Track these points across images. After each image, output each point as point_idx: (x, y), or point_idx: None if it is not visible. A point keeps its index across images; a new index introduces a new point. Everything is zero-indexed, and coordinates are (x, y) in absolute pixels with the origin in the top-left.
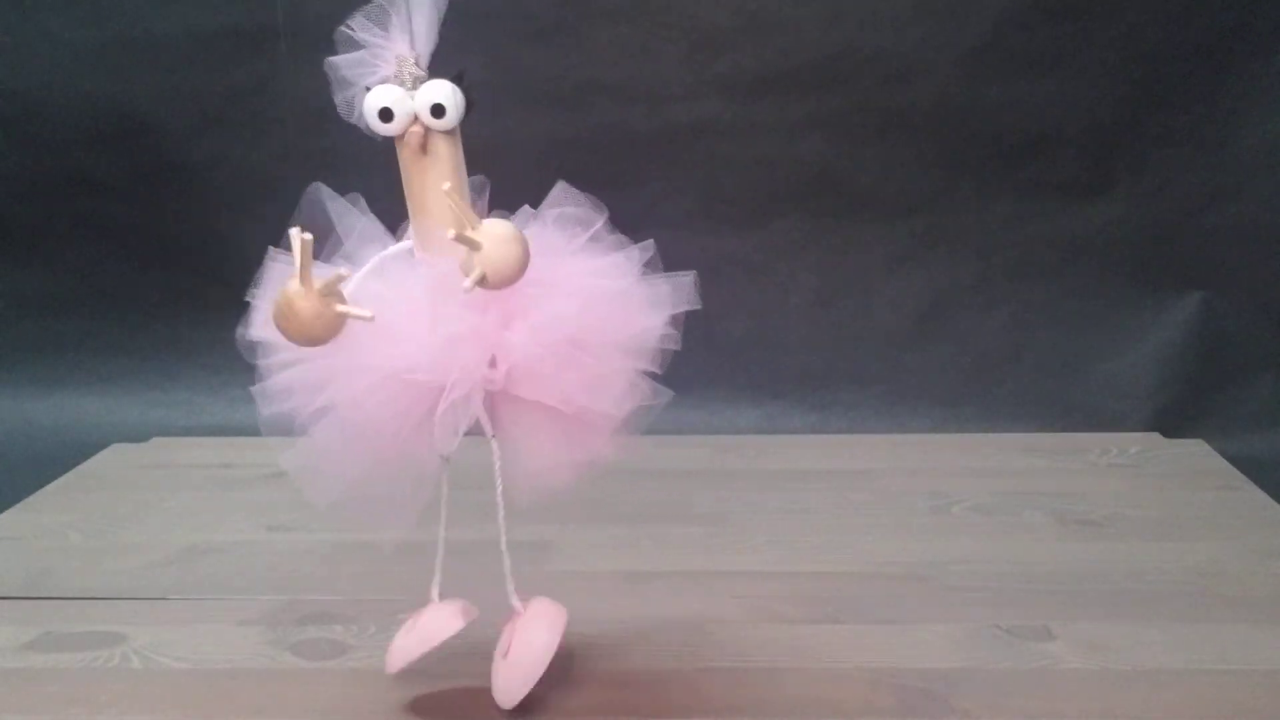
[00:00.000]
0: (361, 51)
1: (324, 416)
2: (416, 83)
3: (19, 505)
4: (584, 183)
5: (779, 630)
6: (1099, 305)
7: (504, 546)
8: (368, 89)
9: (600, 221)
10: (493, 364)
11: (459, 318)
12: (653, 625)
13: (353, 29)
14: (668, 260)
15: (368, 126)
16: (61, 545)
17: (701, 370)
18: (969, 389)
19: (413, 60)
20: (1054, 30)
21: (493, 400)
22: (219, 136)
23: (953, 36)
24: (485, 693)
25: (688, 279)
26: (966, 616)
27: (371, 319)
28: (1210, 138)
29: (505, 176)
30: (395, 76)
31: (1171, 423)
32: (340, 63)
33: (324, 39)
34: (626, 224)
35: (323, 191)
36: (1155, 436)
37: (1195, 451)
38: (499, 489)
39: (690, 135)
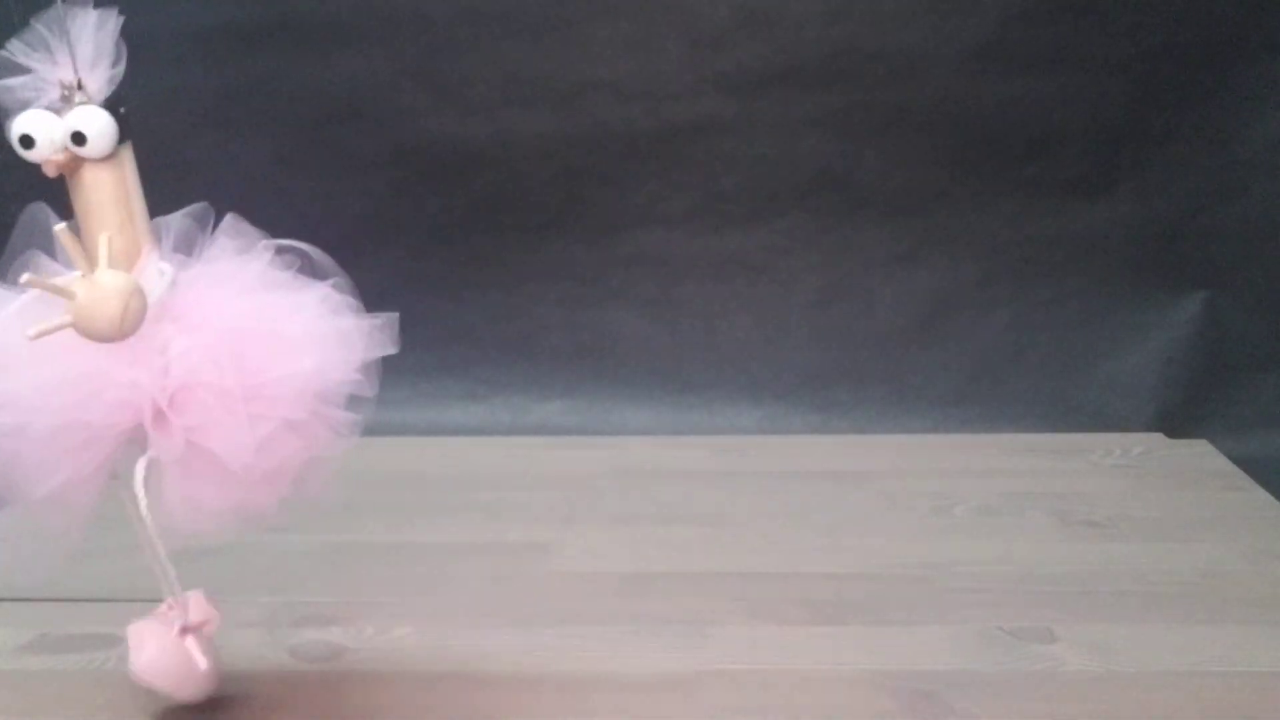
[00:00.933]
0: (31, 75)
1: None
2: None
3: (13, 506)
4: (584, 182)
5: (779, 632)
6: (1102, 304)
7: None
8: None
9: (268, 258)
10: (125, 408)
11: (85, 358)
12: (653, 626)
13: (13, 54)
14: (667, 259)
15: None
16: (57, 547)
17: (702, 370)
18: (971, 389)
19: (76, 85)
20: (1057, 28)
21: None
22: (217, 135)
23: (955, 34)
24: (484, 691)
25: (384, 320)
26: (968, 618)
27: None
28: (1215, 136)
29: (504, 176)
30: (61, 102)
31: (1175, 423)
32: (14, 85)
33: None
34: (626, 223)
35: (44, 213)
36: (1159, 437)
37: (1199, 452)
38: (151, 531)
39: (690, 133)
